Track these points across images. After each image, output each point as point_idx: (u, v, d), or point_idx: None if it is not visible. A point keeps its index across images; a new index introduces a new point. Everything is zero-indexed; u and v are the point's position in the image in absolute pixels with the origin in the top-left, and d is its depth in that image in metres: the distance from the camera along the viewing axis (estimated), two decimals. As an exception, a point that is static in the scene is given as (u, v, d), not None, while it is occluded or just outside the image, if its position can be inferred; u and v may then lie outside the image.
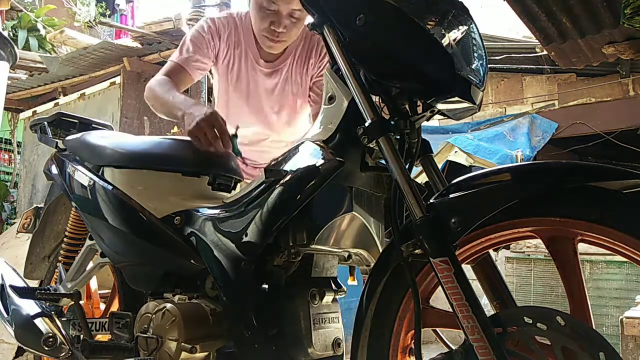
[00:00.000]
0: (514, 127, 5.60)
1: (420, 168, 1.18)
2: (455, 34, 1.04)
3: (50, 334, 1.39)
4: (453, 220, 0.89)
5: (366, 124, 0.99)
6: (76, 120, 1.78)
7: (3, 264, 1.67)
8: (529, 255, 4.12)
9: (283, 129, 1.86)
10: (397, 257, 0.96)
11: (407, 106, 1.08)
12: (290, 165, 1.10)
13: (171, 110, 1.54)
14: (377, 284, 1.03)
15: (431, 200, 0.94)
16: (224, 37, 1.73)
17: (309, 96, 1.80)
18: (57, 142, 1.65)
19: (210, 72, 1.85)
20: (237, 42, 1.74)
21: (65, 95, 5.59)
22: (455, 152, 5.09)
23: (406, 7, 1.01)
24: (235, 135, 1.40)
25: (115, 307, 1.68)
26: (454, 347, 0.91)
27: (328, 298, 1.23)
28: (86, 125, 1.79)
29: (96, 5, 8.06)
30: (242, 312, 1.13)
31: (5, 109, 5.59)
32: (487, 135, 5.50)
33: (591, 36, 3.75)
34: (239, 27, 1.74)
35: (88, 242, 1.53)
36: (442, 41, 1.01)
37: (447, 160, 5.10)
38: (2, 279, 1.59)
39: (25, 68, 5.89)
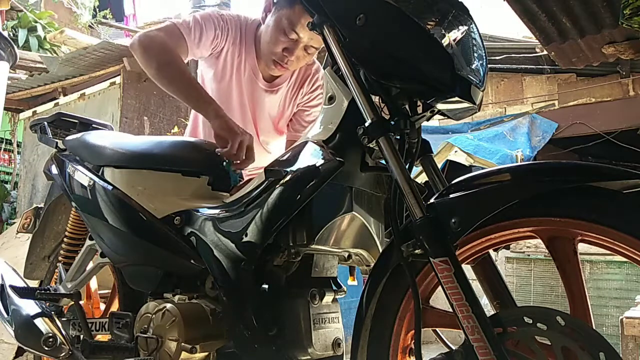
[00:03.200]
0: (514, 127, 5.60)
1: (420, 168, 1.18)
2: (455, 34, 1.04)
3: (50, 334, 1.39)
4: (453, 221, 0.89)
5: (366, 124, 0.99)
6: (76, 121, 1.78)
7: (3, 264, 1.67)
8: (529, 255, 4.13)
9: (270, 145, 1.84)
10: (397, 257, 0.96)
11: (407, 106, 1.08)
12: (290, 165, 1.10)
13: (194, 98, 1.49)
14: (377, 284, 1.03)
15: (431, 200, 0.94)
16: (231, 37, 1.67)
17: (290, 121, 1.80)
18: (57, 142, 1.65)
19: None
20: (240, 47, 1.70)
21: (65, 95, 5.60)
22: (455, 152, 5.09)
23: (406, 7, 1.01)
24: (228, 162, 1.38)
25: (115, 307, 1.68)
26: (454, 347, 0.91)
27: (328, 298, 1.23)
28: (86, 125, 1.79)
29: (100, 10, 8.07)
30: (242, 312, 1.13)
31: (5, 109, 5.59)
32: (487, 135, 5.50)
33: (591, 36, 3.75)
34: (243, 33, 1.70)
35: (88, 242, 1.53)
36: (442, 41, 1.01)
37: (447, 160, 5.10)
38: (2, 279, 1.59)
39: (25, 68, 5.89)
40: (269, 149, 1.85)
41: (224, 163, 1.38)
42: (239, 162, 1.40)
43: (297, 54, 1.59)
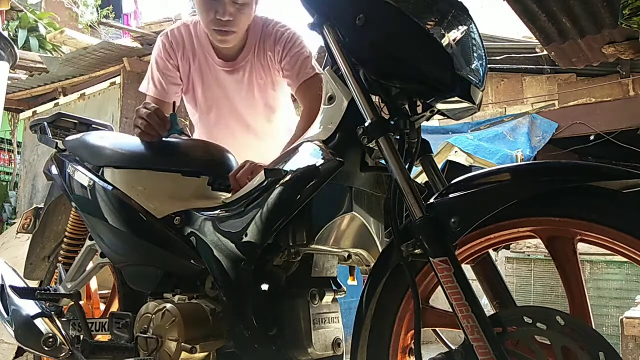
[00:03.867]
0: (514, 127, 5.60)
1: (420, 168, 1.18)
2: (455, 34, 1.04)
3: (50, 334, 1.39)
4: (453, 220, 0.89)
5: (366, 124, 0.99)
6: (76, 121, 1.78)
7: (3, 264, 1.67)
8: (529, 255, 4.12)
9: (262, 126, 1.82)
10: (397, 257, 0.96)
11: (407, 106, 1.08)
12: (290, 165, 1.10)
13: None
14: (377, 284, 1.03)
15: (431, 200, 0.94)
16: (180, 51, 1.72)
17: (287, 77, 1.72)
18: (57, 143, 1.65)
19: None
20: (193, 50, 1.73)
21: (65, 95, 5.60)
22: (455, 152, 5.09)
23: (406, 7, 1.01)
24: (174, 114, 1.46)
25: (115, 307, 1.68)
26: (454, 347, 0.91)
27: (328, 298, 1.23)
28: (86, 125, 1.79)
29: (101, 8, 8.07)
30: (242, 312, 1.13)
31: (5, 109, 5.59)
32: (487, 135, 5.50)
33: (591, 36, 3.75)
34: (193, 34, 1.73)
35: (88, 242, 1.53)
36: (442, 41, 1.01)
37: (447, 160, 5.09)
38: (2, 279, 1.59)
39: (25, 68, 5.90)
40: (260, 131, 1.82)
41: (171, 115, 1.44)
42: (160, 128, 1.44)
43: (229, 11, 1.56)
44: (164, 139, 1.46)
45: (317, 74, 1.64)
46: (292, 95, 1.82)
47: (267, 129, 1.83)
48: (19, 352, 3.04)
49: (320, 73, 1.66)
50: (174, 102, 1.65)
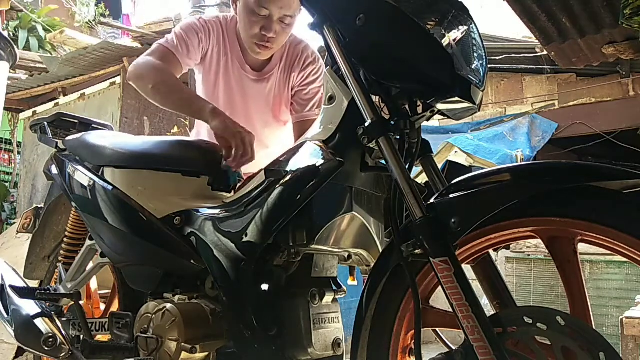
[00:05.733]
0: (514, 127, 5.60)
1: (420, 168, 1.18)
2: (455, 34, 1.04)
3: (50, 334, 1.39)
4: (453, 221, 0.89)
5: (366, 124, 0.99)
6: (76, 121, 1.78)
7: (3, 264, 1.67)
8: (529, 255, 4.12)
9: (269, 138, 1.84)
10: (397, 257, 0.96)
11: (407, 106, 1.08)
12: (290, 165, 1.10)
13: (189, 105, 1.54)
14: (377, 284, 1.03)
15: (431, 200, 0.94)
16: (214, 37, 1.71)
17: (292, 105, 1.78)
18: (57, 142, 1.65)
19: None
20: (224, 45, 1.73)
21: (65, 95, 5.60)
22: (455, 152, 5.09)
23: (406, 7, 1.01)
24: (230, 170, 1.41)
25: (115, 307, 1.68)
26: (454, 347, 0.91)
27: (328, 298, 1.23)
28: (86, 125, 1.79)
29: (97, 5, 8.05)
30: (242, 312, 1.13)
31: (5, 109, 5.59)
32: (487, 135, 5.50)
33: (591, 36, 3.75)
34: (225, 31, 1.74)
35: (88, 242, 1.53)
36: (442, 41, 1.01)
37: (447, 160, 5.10)
38: (2, 279, 1.59)
39: (25, 68, 5.89)
40: (269, 143, 1.84)
41: (223, 163, 1.38)
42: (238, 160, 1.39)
43: (274, 29, 1.59)
44: (165, 139, 1.46)
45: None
46: None
47: (274, 141, 1.85)
48: (19, 352, 3.04)
49: None
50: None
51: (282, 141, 1.84)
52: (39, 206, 1.82)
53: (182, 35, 1.66)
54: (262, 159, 1.75)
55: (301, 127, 1.69)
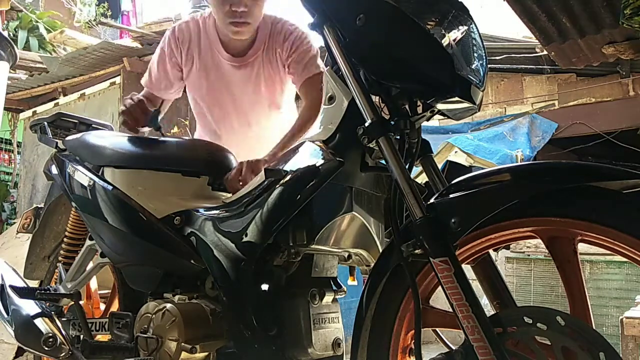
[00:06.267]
0: (514, 127, 5.60)
1: (420, 168, 1.18)
2: (455, 34, 1.04)
3: (50, 334, 1.39)
4: (453, 221, 0.89)
5: (366, 124, 0.99)
6: (76, 121, 1.78)
7: (3, 264, 1.67)
8: (529, 255, 4.12)
9: (264, 124, 1.83)
10: (397, 257, 0.96)
11: (407, 106, 1.08)
12: (290, 165, 1.10)
13: None
14: (377, 284, 1.03)
15: (431, 200, 0.94)
16: (185, 47, 1.75)
17: (291, 75, 1.74)
18: (57, 142, 1.65)
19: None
20: (199, 45, 1.74)
21: (65, 95, 5.60)
22: (455, 152, 5.09)
23: (406, 7, 1.01)
24: (158, 111, 1.59)
25: (115, 307, 1.68)
26: (454, 347, 0.91)
27: (328, 298, 1.23)
28: (86, 125, 1.79)
29: (97, 5, 8.05)
30: (242, 312, 1.13)
31: (5, 109, 5.59)
32: (487, 135, 5.50)
33: (591, 36, 3.74)
34: (202, 29, 1.75)
35: (88, 242, 1.53)
36: (442, 41, 1.01)
37: (447, 160, 5.09)
38: (2, 279, 1.59)
39: (25, 68, 5.89)
40: (264, 130, 1.82)
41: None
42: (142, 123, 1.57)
43: (244, 2, 1.59)
44: (165, 139, 1.47)
45: (322, 72, 1.65)
46: (296, 94, 1.83)
47: (268, 126, 1.84)
48: (19, 352, 3.04)
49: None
50: (163, 100, 1.72)
51: (276, 126, 1.82)
52: (39, 206, 1.82)
53: (155, 69, 1.79)
54: (254, 145, 1.77)
55: (306, 89, 1.68)
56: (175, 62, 1.77)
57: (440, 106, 1.05)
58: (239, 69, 1.74)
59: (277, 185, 1.09)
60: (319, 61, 1.71)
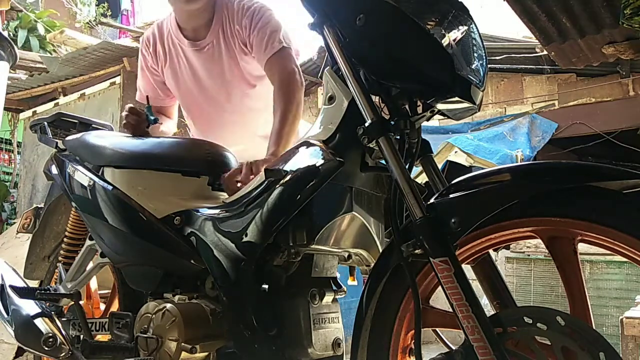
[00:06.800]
0: (514, 127, 5.60)
1: (420, 168, 1.18)
2: (455, 34, 1.04)
3: (50, 334, 1.39)
4: (453, 221, 0.89)
5: (366, 124, 0.99)
6: (76, 121, 1.78)
7: (3, 264, 1.67)
8: (529, 255, 4.12)
9: (239, 103, 1.76)
10: (397, 257, 0.96)
11: (407, 106, 1.08)
12: (290, 165, 1.10)
13: None
14: (377, 284, 1.03)
15: (431, 200, 0.94)
16: (152, 48, 1.78)
17: (254, 56, 1.65)
18: (57, 142, 1.65)
19: None
20: (163, 45, 1.76)
21: (65, 95, 5.59)
22: (455, 152, 5.09)
23: (406, 7, 1.01)
24: (149, 106, 1.64)
25: (115, 307, 1.68)
26: (454, 347, 0.91)
27: (328, 298, 1.23)
28: (86, 125, 1.79)
29: (97, 5, 8.05)
30: (242, 312, 1.13)
31: (5, 109, 5.58)
32: (487, 135, 5.50)
33: (591, 36, 3.74)
34: (164, 26, 1.77)
35: (88, 242, 1.53)
36: (442, 41, 1.01)
37: (447, 160, 5.10)
38: (2, 279, 1.59)
39: (25, 68, 5.89)
40: (241, 109, 1.77)
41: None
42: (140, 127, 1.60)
43: None
44: (165, 139, 1.47)
45: (284, 48, 1.59)
46: None
47: (245, 104, 1.77)
48: (19, 352, 3.04)
49: (288, 47, 1.61)
50: (147, 96, 1.74)
51: (255, 103, 1.77)
52: (39, 206, 1.82)
53: (140, 83, 1.85)
54: (234, 126, 1.76)
55: (271, 68, 1.60)
56: (152, 68, 1.80)
57: (440, 106, 1.05)
58: (200, 53, 1.70)
59: (277, 185, 1.09)
60: (282, 36, 1.63)
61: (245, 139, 1.73)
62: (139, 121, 1.60)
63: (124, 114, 1.61)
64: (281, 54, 1.58)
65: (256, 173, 1.28)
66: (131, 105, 1.63)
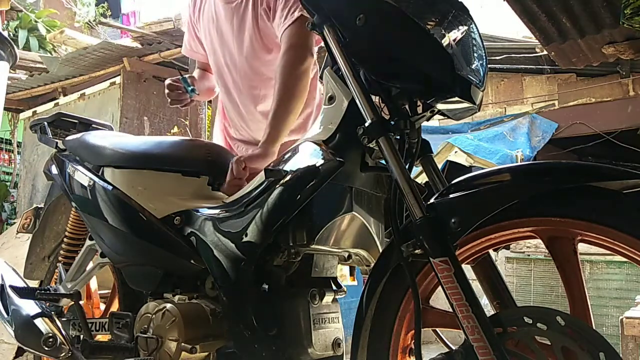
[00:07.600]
0: (514, 127, 5.60)
1: (420, 168, 1.18)
2: (455, 34, 1.04)
3: (50, 334, 1.39)
4: (453, 221, 0.89)
5: (366, 124, 0.99)
6: (76, 121, 1.78)
7: (3, 264, 1.67)
8: (529, 255, 4.13)
9: (252, 64, 1.70)
10: (397, 257, 0.96)
11: (407, 106, 1.08)
12: (290, 165, 1.10)
13: None
14: (377, 284, 1.03)
15: (431, 200, 0.94)
16: (191, 3, 1.81)
17: (273, 22, 1.59)
18: (57, 142, 1.65)
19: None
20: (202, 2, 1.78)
21: (65, 95, 5.60)
22: (455, 152, 5.09)
23: (406, 7, 1.01)
24: (184, 78, 1.70)
25: (115, 307, 1.68)
26: (454, 347, 0.91)
27: (328, 298, 1.23)
28: (86, 125, 1.79)
29: (97, 5, 8.05)
30: (242, 312, 1.13)
31: (5, 109, 5.59)
32: (487, 135, 5.50)
33: (591, 36, 3.74)
34: None
35: (88, 242, 1.53)
36: (442, 41, 1.01)
37: (447, 160, 5.10)
38: (2, 279, 1.59)
39: (25, 68, 5.89)
40: (252, 69, 1.70)
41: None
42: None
43: None
44: (165, 139, 1.47)
45: (303, 16, 1.48)
46: None
47: (257, 66, 1.70)
48: (19, 352, 3.04)
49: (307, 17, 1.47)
50: (180, 71, 1.78)
51: (267, 68, 1.69)
52: (39, 206, 1.82)
53: (185, 36, 1.86)
54: (242, 87, 1.72)
55: (283, 39, 1.54)
56: (193, 21, 1.83)
57: (440, 106, 1.05)
58: (228, 6, 1.67)
59: (277, 185, 1.09)
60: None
61: (244, 101, 1.73)
62: (180, 94, 1.69)
63: (166, 91, 1.70)
64: (298, 23, 1.50)
65: (249, 164, 1.33)
66: (169, 80, 1.71)
